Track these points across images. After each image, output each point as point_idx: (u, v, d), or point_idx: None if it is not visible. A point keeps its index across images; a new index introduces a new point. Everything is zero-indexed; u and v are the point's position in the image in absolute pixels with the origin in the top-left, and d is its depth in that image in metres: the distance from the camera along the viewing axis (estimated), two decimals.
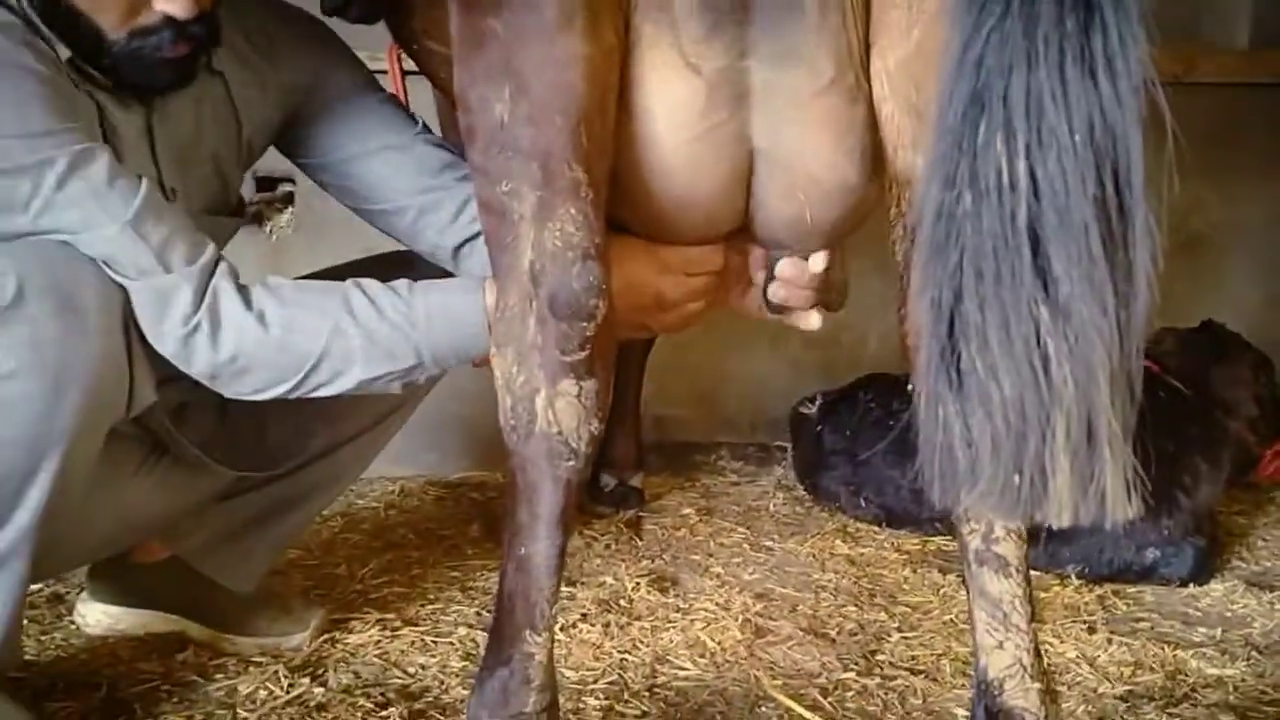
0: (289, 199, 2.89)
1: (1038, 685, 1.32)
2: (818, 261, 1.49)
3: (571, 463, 1.35)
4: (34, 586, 1.74)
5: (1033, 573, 2.35)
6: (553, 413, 1.33)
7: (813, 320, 1.57)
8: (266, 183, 2.88)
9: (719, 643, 2.07)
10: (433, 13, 1.59)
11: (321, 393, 1.60)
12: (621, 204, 1.43)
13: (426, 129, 1.96)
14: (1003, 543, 1.30)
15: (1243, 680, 1.98)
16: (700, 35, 1.32)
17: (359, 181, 1.92)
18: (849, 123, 1.40)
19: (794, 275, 1.51)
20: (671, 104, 1.36)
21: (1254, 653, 2.08)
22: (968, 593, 1.36)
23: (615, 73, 1.34)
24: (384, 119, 1.93)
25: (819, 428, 2.82)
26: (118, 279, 1.50)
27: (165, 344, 1.53)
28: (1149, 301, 1.01)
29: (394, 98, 2.03)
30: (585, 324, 1.30)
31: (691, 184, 1.40)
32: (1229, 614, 2.26)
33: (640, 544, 2.60)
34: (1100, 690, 1.93)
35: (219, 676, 1.93)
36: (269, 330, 1.53)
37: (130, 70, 1.60)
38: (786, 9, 1.32)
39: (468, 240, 1.82)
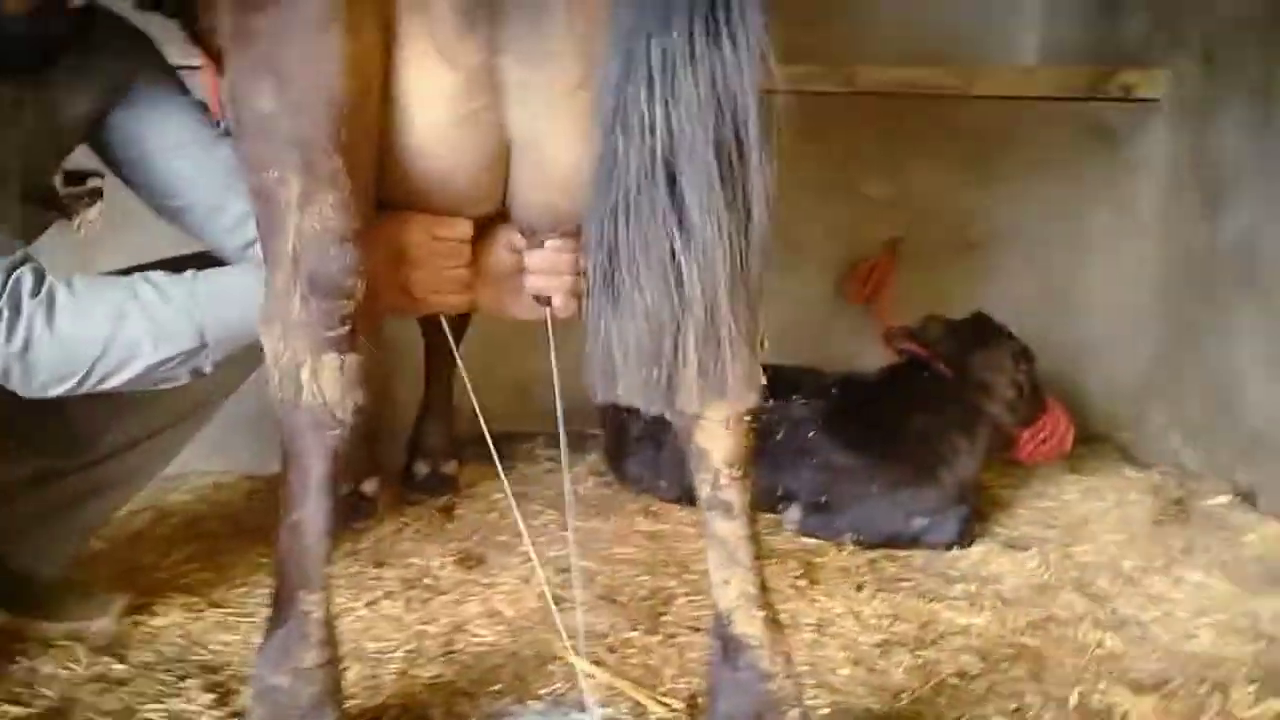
0: (97, 193, 2.90)
1: (762, 614, 1.48)
2: (552, 242, 1.63)
3: (336, 431, 1.46)
4: None
5: (812, 540, 2.59)
6: (317, 385, 1.43)
7: (558, 305, 1.69)
8: (74, 177, 2.88)
9: (516, 611, 2.20)
10: (215, 12, 1.68)
11: (111, 383, 1.68)
12: (389, 187, 1.55)
13: (228, 131, 2.04)
14: (727, 489, 1.46)
15: (986, 627, 2.20)
16: (455, 34, 1.45)
17: (156, 177, 2.00)
18: None
19: (547, 264, 1.64)
20: (429, 95, 1.48)
21: (999, 604, 2.31)
22: (704, 537, 1.52)
23: (377, 67, 1.45)
24: (187, 118, 2.01)
25: (624, 414, 2.97)
26: None
27: None
28: (765, 226, 1.25)
29: (198, 101, 2.11)
30: (344, 301, 1.42)
31: (448, 169, 1.53)
32: (984, 572, 2.49)
33: (451, 527, 2.71)
34: (860, 640, 2.12)
35: (21, 659, 1.96)
36: (57, 317, 1.61)
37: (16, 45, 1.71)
38: (536, 13, 1.45)
39: (251, 243, 1.91)
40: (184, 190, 1.98)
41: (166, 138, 1.99)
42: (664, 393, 1.26)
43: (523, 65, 1.48)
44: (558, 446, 3.28)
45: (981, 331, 2.83)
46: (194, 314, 1.65)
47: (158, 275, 1.68)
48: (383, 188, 1.52)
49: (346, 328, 1.43)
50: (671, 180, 1.21)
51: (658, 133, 1.20)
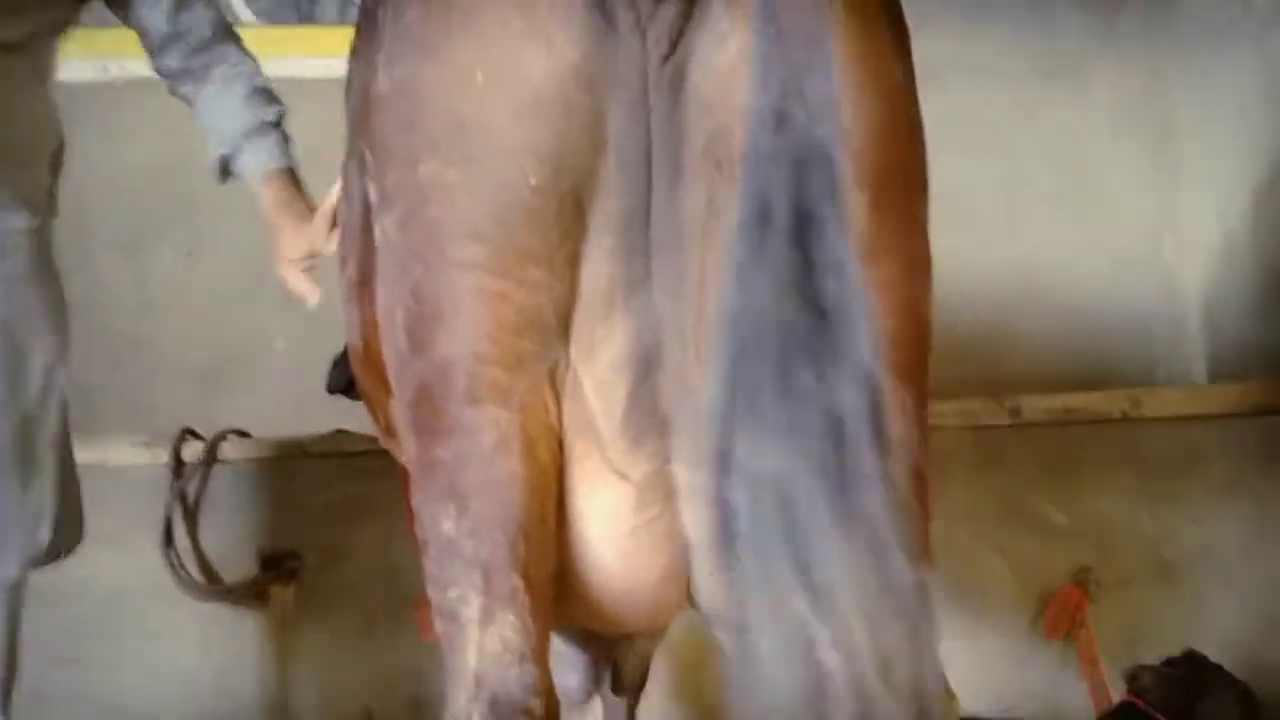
0: (293, 574, 3.04)
1: None
2: None
3: None
4: None
5: None
6: None
7: None
8: (271, 560, 3.03)
9: None
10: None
11: None
12: (570, 601, 1.57)
13: None
14: None
15: None
16: (625, 448, 1.51)
17: None
18: None
19: None
20: (604, 509, 1.52)
21: None
22: None
23: (552, 486, 1.51)
24: None
25: None
26: None
27: None
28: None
29: None
30: None
31: (630, 579, 1.55)
32: None
33: None
34: None
35: None
36: None
37: None
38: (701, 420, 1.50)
39: None
40: None
41: None
42: None
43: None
44: None
45: (1199, 675, 2.62)
46: None
47: None
48: (565, 606, 1.54)
49: None
50: None
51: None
